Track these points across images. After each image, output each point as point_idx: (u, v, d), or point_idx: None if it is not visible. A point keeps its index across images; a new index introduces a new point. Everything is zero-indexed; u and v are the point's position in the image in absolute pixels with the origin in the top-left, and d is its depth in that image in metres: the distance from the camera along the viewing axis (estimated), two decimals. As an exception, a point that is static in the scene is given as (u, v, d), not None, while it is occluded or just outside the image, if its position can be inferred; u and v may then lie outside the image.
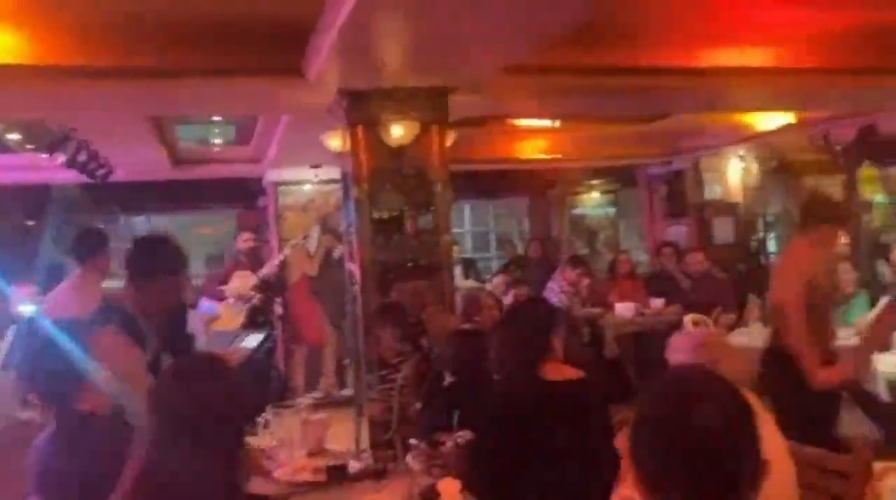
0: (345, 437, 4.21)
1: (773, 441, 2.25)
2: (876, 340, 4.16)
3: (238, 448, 2.01)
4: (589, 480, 2.49)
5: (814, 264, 3.92)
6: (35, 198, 9.32)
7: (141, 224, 11.28)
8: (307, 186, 8.71)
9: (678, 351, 2.66)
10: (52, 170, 7.49)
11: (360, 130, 4.74)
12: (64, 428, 2.44)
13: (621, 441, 1.43)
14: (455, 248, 10.17)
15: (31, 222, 10.14)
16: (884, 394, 5.39)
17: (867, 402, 5.55)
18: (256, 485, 2.19)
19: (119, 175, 7.59)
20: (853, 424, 4.65)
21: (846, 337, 4.89)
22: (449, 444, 2.65)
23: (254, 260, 7.13)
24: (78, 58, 4.16)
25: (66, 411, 2.44)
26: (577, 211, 12.47)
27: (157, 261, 3.29)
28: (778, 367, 3.89)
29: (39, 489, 2.43)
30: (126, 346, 2.88)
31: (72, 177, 7.26)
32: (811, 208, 4.16)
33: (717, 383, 1.43)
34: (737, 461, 1.34)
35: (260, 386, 6.13)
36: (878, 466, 2.77)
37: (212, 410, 1.93)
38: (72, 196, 8.91)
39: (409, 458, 2.69)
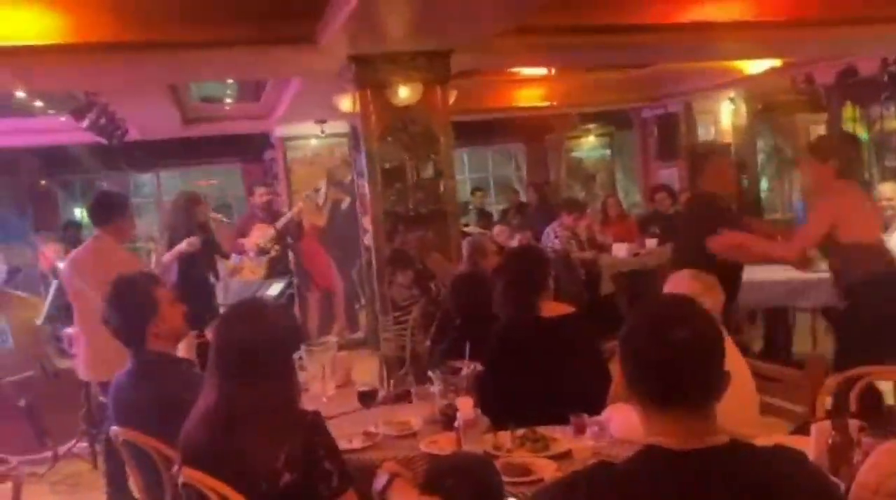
0: (363, 372, 4.63)
1: (733, 359, 2.66)
2: None
3: (292, 374, 2.28)
4: (581, 397, 2.85)
5: None
6: (48, 158, 9.66)
7: (149, 181, 11.62)
8: (313, 141, 9.01)
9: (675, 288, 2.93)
10: (65, 131, 7.76)
11: (368, 92, 5.04)
12: (139, 365, 2.81)
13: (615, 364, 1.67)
14: (478, 193, 10.64)
15: (44, 182, 10.52)
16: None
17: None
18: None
19: (131, 135, 7.83)
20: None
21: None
22: (464, 371, 3.02)
23: (268, 213, 7.50)
24: (106, 34, 4.41)
25: (140, 351, 2.82)
26: (575, 154, 12.63)
27: None
28: None
29: (118, 419, 2.81)
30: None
31: (83, 137, 7.46)
32: None
33: (691, 307, 1.61)
34: (706, 371, 1.50)
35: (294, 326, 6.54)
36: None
37: (267, 343, 2.16)
38: (83, 155, 9.24)
39: (430, 384, 3.07)
